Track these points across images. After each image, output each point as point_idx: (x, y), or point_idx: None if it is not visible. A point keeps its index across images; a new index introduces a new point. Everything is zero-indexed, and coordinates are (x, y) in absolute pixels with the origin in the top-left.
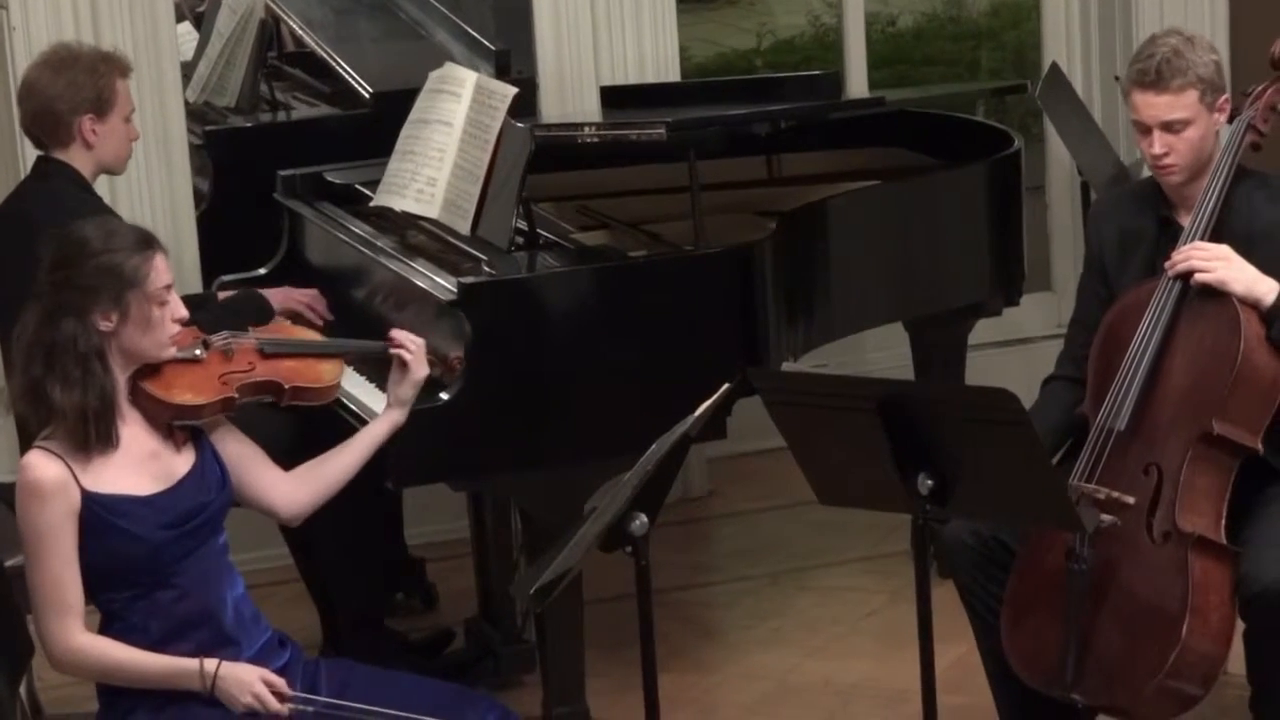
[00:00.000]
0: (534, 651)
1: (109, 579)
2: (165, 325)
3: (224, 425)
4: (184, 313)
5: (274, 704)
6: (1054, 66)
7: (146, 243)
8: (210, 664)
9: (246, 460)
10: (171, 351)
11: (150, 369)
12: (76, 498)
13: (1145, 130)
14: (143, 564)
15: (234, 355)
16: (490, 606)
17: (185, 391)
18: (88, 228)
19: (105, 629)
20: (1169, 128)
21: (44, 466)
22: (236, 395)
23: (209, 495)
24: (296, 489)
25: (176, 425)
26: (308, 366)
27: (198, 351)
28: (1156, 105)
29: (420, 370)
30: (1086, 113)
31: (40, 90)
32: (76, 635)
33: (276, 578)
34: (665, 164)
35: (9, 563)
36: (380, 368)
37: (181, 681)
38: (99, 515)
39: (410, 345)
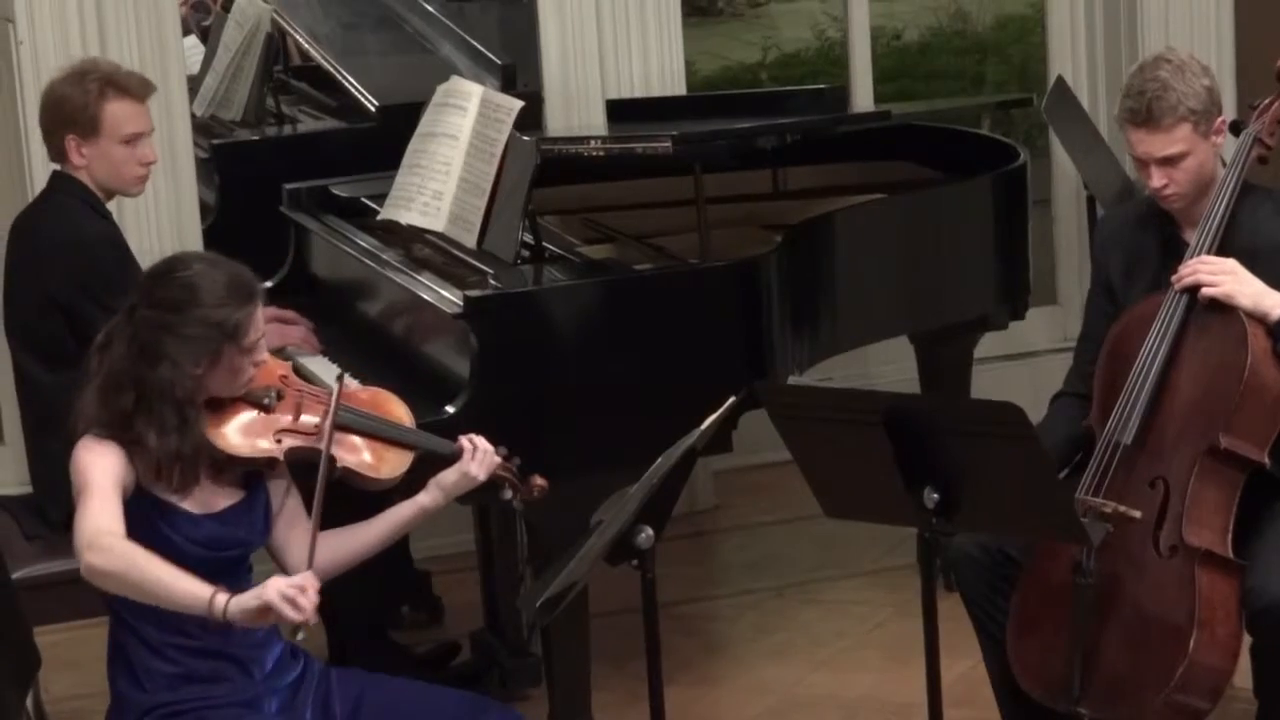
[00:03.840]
0: (540, 664)
1: None
2: (247, 370)
3: (279, 471)
4: (266, 356)
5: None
6: (1059, 80)
7: (250, 295)
8: (220, 599)
9: (285, 513)
10: (243, 391)
11: (215, 400)
12: (133, 481)
13: (1144, 164)
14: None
15: (303, 413)
16: (496, 619)
17: (234, 438)
18: (196, 271)
19: (115, 633)
20: (1166, 161)
21: (105, 443)
22: (282, 459)
23: (251, 536)
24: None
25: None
26: (371, 452)
27: (266, 401)
28: (1150, 143)
29: (472, 469)
30: (1092, 126)
31: (43, 102)
32: (115, 529)
33: None
34: (671, 177)
35: (16, 574)
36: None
37: (191, 604)
38: (145, 511)
39: (476, 441)
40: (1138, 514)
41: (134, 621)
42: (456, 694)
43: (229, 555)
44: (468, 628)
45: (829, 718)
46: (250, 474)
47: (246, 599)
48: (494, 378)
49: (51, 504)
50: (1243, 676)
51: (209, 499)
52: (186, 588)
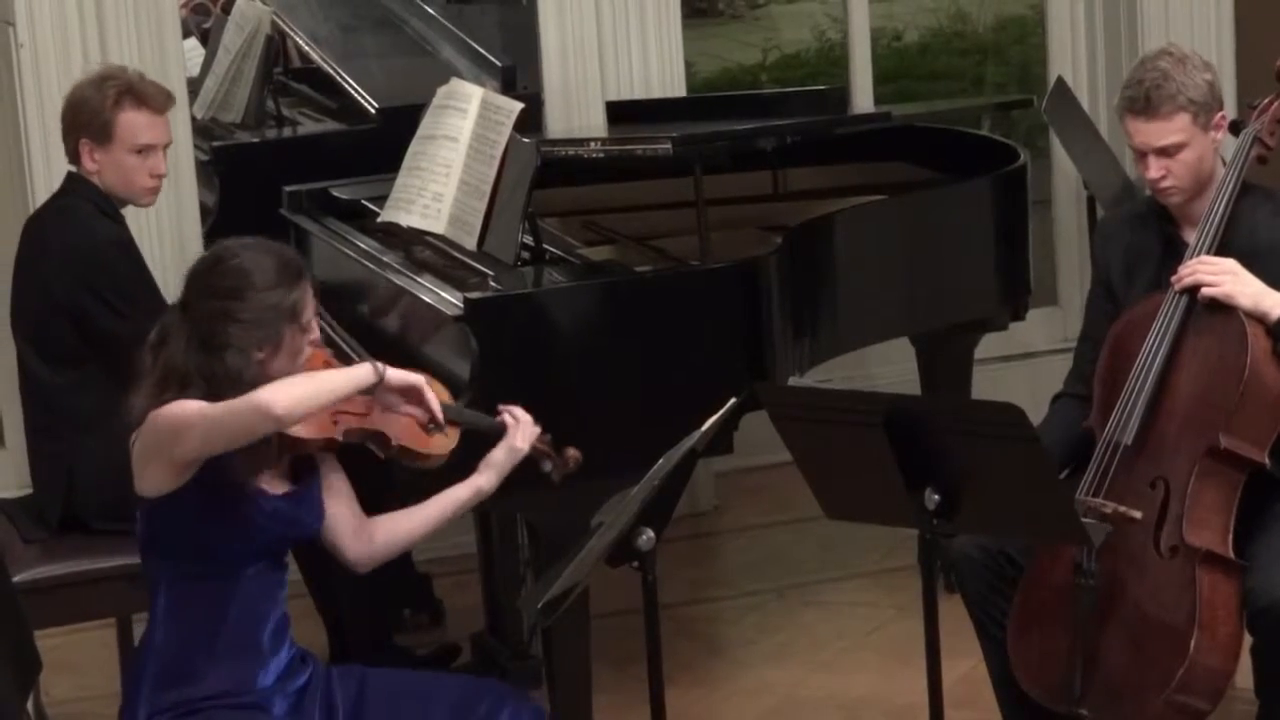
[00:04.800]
0: (541, 666)
1: (188, 540)
2: (305, 351)
3: (327, 454)
4: (318, 334)
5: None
6: (1059, 81)
7: (300, 273)
8: (380, 364)
9: (333, 493)
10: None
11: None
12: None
13: (1142, 155)
14: (231, 540)
15: (355, 395)
16: (497, 622)
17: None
18: (245, 258)
19: (154, 603)
20: (1164, 152)
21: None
22: (340, 438)
23: (313, 519)
24: (369, 537)
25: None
26: (422, 429)
27: None
28: (1147, 132)
29: (518, 442)
30: (1092, 127)
31: (65, 102)
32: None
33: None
34: (671, 179)
35: (17, 578)
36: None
37: (357, 379)
38: (223, 490)
39: (517, 413)
40: (1138, 514)
41: (173, 598)
42: (459, 678)
43: (294, 535)
44: (469, 630)
45: (830, 719)
46: (299, 460)
47: (401, 372)
48: (494, 380)
49: (50, 504)
50: (1244, 677)
51: (271, 484)
52: (343, 371)
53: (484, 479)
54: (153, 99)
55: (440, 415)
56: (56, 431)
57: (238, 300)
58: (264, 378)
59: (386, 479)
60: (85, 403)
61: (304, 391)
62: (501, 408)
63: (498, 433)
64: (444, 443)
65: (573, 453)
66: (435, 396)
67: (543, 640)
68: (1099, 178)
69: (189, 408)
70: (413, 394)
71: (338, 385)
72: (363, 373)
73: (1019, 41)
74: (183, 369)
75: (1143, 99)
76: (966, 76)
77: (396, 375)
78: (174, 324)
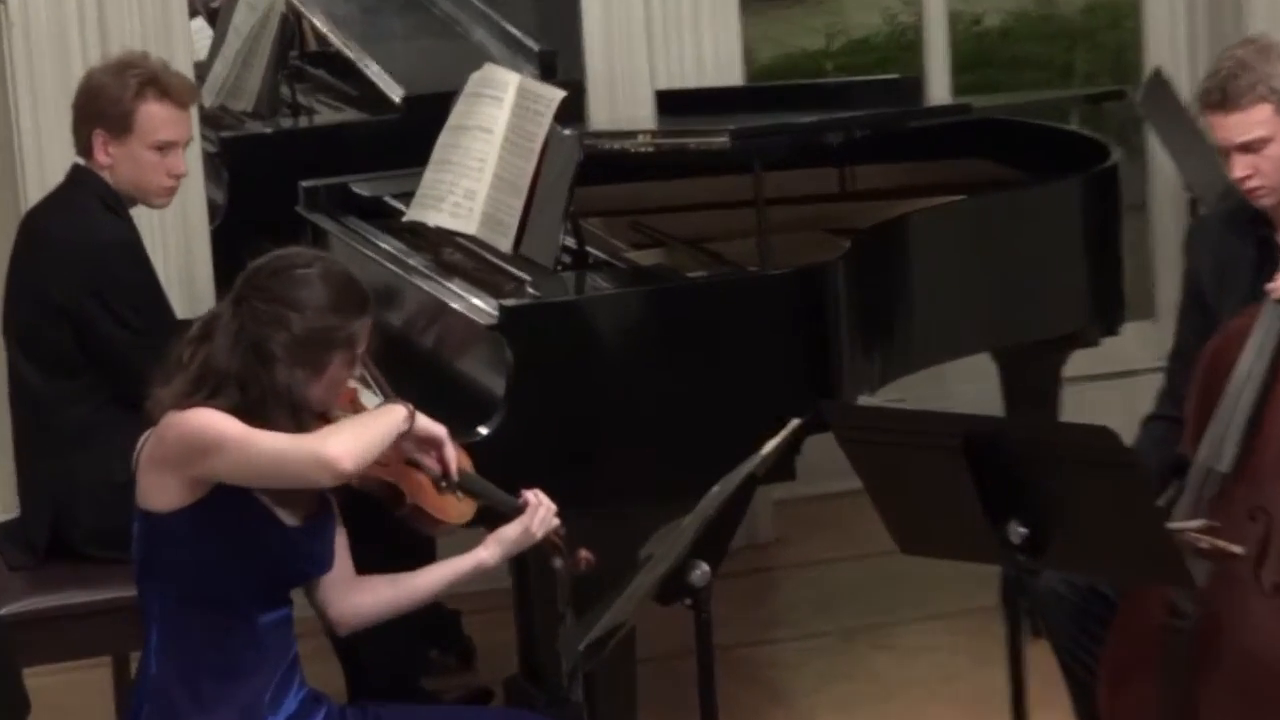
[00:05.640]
0: (581, 714)
1: (191, 562)
2: (343, 386)
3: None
4: (361, 371)
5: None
6: (1156, 71)
7: (366, 304)
8: (410, 409)
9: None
10: (327, 409)
11: None
12: None
13: (1225, 153)
14: (241, 568)
15: None
16: (533, 664)
17: None
18: (315, 270)
19: (148, 634)
20: (1247, 148)
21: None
22: (356, 484)
23: (325, 556)
24: (357, 597)
25: None
26: (441, 494)
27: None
28: (1226, 126)
29: (533, 524)
30: (1192, 122)
31: (79, 88)
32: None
33: (299, 630)
34: (727, 176)
35: (2, 611)
36: None
37: (394, 422)
38: (246, 509)
39: (541, 497)
40: (1239, 549)
41: (188, 623)
42: (489, 710)
43: (302, 569)
44: (501, 673)
45: None
46: (313, 500)
47: (427, 420)
48: (532, 396)
49: (38, 527)
50: None
51: (285, 513)
52: (381, 415)
53: (489, 553)
54: (177, 92)
55: (455, 471)
56: (48, 446)
57: (296, 311)
58: (304, 401)
59: (381, 533)
60: (80, 415)
61: (363, 443)
62: (525, 490)
63: (515, 512)
64: (459, 513)
65: (584, 554)
66: (454, 453)
67: (584, 685)
68: (1200, 178)
69: (229, 426)
70: (433, 444)
71: (385, 432)
72: (398, 416)
73: (1112, 26)
74: (223, 371)
75: (1218, 91)
76: (1054, 65)
77: (423, 422)
78: (222, 320)
